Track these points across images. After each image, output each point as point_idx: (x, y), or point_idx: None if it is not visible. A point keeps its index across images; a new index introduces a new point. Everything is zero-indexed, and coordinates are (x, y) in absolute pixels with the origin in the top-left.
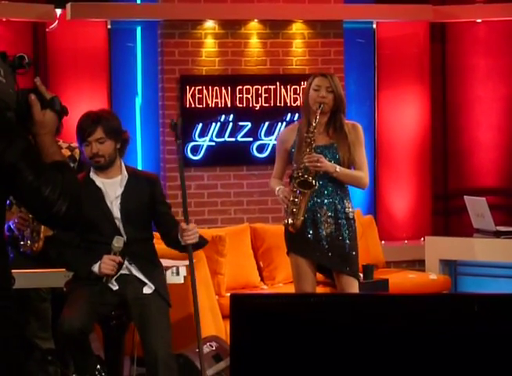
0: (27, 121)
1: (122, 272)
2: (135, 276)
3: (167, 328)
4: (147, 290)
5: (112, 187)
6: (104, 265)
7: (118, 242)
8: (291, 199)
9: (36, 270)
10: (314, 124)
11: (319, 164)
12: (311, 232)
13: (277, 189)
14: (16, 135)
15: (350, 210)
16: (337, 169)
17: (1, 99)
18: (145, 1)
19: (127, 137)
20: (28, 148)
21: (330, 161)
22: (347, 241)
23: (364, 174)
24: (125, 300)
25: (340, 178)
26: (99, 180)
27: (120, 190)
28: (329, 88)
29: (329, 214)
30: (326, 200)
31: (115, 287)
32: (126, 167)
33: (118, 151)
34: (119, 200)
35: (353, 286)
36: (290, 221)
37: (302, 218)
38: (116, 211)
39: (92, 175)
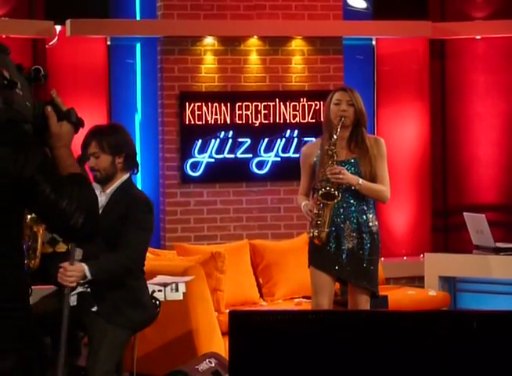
0: (43, 133)
1: (83, 289)
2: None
3: (102, 348)
4: (94, 308)
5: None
6: (59, 274)
7: (76, 254)
8: (315, 211)
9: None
10: (335, 137)
11: (341, 176)
12: (333, 246)
13: (303, 204)
14: (34, 148)
15: (374, 224)
16: (360, 182)
17: (19, 112)
18: (144, 18)
19: (131, 152)
20: (45, 161)
21: (352, 175)
22: (368, 256)
23: (386, 187)
24: (82, 316)
25: (363, 192)
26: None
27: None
28: (350, 101)
29: (353, 228)
30: (349, 214)
31: (72, 303)
32: (125, 185)
33: (123, 166)
34: None
35: (365, 302)
36: (315, 233)
37: (327, 230)
38: None
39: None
